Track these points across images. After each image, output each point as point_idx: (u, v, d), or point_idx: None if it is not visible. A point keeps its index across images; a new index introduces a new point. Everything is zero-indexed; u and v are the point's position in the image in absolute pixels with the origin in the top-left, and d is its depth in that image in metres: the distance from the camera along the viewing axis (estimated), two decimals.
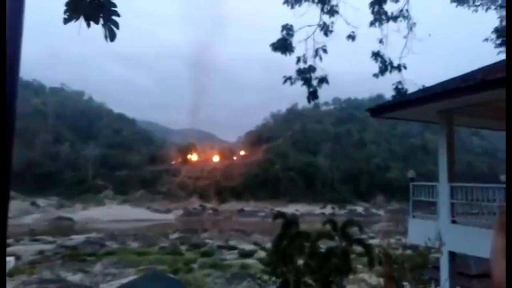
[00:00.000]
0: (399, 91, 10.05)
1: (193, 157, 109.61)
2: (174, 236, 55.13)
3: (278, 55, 9.43)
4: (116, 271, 32.52)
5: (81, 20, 2.47)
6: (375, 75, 10.13)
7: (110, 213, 72.20)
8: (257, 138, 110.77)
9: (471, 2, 13.04)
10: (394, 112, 8.57)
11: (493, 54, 12.93)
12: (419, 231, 8.16)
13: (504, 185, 8.47)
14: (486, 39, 13.43)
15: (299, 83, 9.66)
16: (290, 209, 68.59)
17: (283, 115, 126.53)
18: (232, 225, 67.28)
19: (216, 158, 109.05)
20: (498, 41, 13.42)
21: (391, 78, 10.15)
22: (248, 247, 42.55)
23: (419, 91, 8.36)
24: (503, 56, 12.72)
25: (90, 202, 78.77)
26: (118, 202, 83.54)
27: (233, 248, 44.77)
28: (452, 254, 7.65)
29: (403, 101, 8.37)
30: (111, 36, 2.47)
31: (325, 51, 8.80)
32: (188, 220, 74.50)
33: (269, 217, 65.60)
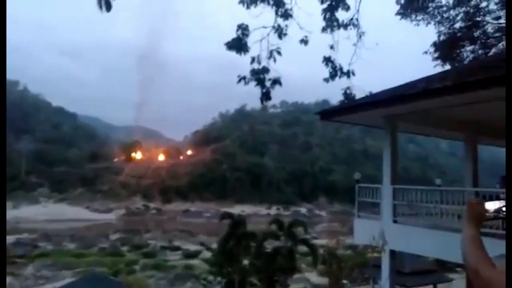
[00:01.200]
0: (348, 96, 10.45)
1: (138, 155, 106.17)
2: (114, 236, 53.09)
3: (228, 54, 9.45)
4: (50, 274, 30.67)
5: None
6: (326, 80, 10.46)
7: (45, 212, 67.95)
8: (204, 138, 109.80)
9: (413, 17, 13.94)
10: (342, 116, 8.90)
11: (431, 66, 13.93)
12: (364, 231, 8.53)
13: (439, 188, 9.09)
14: (426, 52, 14.43)
15: (252, 83, 9.73)
16: (236, 209, 68.62)
17: (231, 116, 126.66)
18: (176, 225, 66.05)
19: (161, 157, 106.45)
20: (436, 55, 14.46)
21: (338, 84, 10.53)
22: (193, 247, 42.02)
23: (366, 97, 8.74)
24: (439, 69, 13.72)
25: (23, 201, 73.41)
26: (54, 200, 78.79)
27: (177, 248, 43.99)
28: (392, 252, 8.06)
29: (351, 105, 8.70)
30: (107, 6, 2.30)
31: (279, 53, 8.96)
32: (130, 220, 72.05)
33: (215, 218, 65.19)
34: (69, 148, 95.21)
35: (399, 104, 7.19)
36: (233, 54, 9.35)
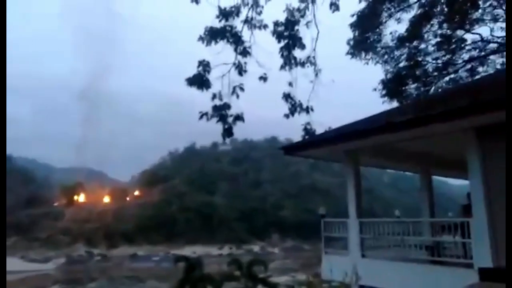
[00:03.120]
0: (308, 131, 10.65)
1: (80, 198, 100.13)
2: None
3: (176, 92, 9.45)
4: None
5: None
6: (286, 116, 10.63)
7: None
8: (152, 177, 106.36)
9: (362, 56, 14.82)
10: (305, 151, 8.96)
11: (380, 103, 14.73)
12: (332, 267, 8.39)
13: (401, 220, 9.27)
14: (375, 89, 15.30)
15: (203, 120, 9.60)
16: (186, 251, 66.25)
17: (180, 154, 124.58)
18: (123, 272, 62.06)
19: (106, 199, 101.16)
20: (383, 92, 15.36)
21: (289, 121, 10.76)
22: None
23: (328, 131, 8.90)
24: (386, 105, 14.53)
25: None
26: None
27: None
28: None
29: (314, 140, 8.80)
30: None
31: (242, 89, 9.00)
32: (72, 269, 66.59)
33: (164, 261, 62.43)
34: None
35: (362, 138, 7.38)
36: (182, 91, 9.30)
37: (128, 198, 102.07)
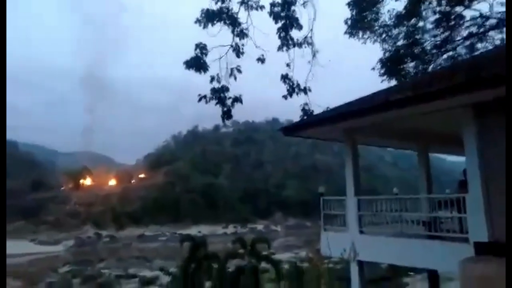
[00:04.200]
0: (306, 112, 10.73)
1: (87, 181, 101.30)
2: (64, 269, 49.84)
3: (178, 76, 9.45)
4: None
5: None
6: (284, 97, 10.69)
7: None
8: (157, 161, 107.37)
9: (360, 35, 14.72)
10: (305, 131, 9.08)
11: (379, 82, 14.71)
12: (330, 243, 8.64)
13: (399, 197, 9.47)
14: (373, 68, 15.24)
15: (203, 102, 9.67)
16: (192, 231, 67.38)
17: (183, 137, 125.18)
18: (131, 252, 63.35)
19: (112, 182, 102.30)
20: (382, 71, 15.31)
21: (290, 102, 10.82)
22: (150, 274, 40.48)
23: (327, 111, 9.00)
24: (386, 84, 14.51)
25: None
26: None
27: (133, 276, 42.13)
28: (360, 263, 8.22)
29: (313, 120, 8.92)
30: None
31: (239, 71, 9.04)
32: (81, 250, 68.02)
33: (171, 241, 63.48)
34: (10, 179, 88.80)
35: (361, 116, 7.47)
36: (183, 76, 9.41)
37: (133, 181, 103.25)
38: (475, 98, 6.24)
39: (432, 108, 6.74)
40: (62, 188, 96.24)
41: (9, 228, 75.59)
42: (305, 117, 10.23)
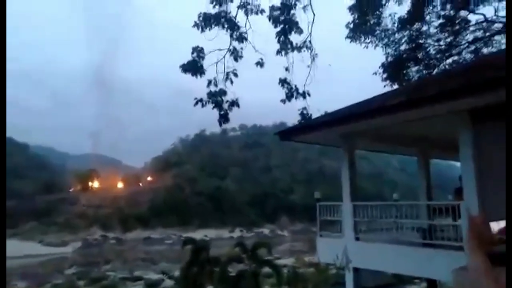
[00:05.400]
0: (304, 116, 10.68)
1: (95, 184, 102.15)
2: (70, 271, 50.10)
3: (187, 78, 9.40)
4: None
5: None
6: (282, 101, 10.67)
7: None
8: (164, 164, 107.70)
9: (362, 40, 14.62)
10: (301, 136, 9.00)
11: (381, 86, 14.58)
12: (327, 249, 8.55)
13: (396, 203, 9.34)
14: (375, 73, 15.11)
15: (210, 106, 9.71)
16: (199, 234, 67.29)
17: (191, 140, 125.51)
18: (137, 254, 63.50)
19: (120, 185, 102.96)
20: (384, 75, 15.17)
21: (295, 106, 10.75)
22: (155, 276, 40.53)
23: (323, 116, 8.94)
24: (388, 89, 14.38)
25: None
26: None
27: (138, 279, 42.19)
28: (356, 270, 8.10)
29: (309, 125, 8.86)
30: None
31: (235, 75, 9.05)
32: (88, 252, 68.43)
33: (177, 244, 63.43)
34: (21, 180, 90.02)
35: (356, 121, 7.39)
36: (190, 78, 9.30)
37: (141, 184, 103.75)
38: (468, 104, 6.13)
39: (427, 113, 6.64)
40: (71, 190, 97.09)
41: (23, 229, 76.60)
42: (303, 121, 10.19)
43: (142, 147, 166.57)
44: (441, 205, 7.56)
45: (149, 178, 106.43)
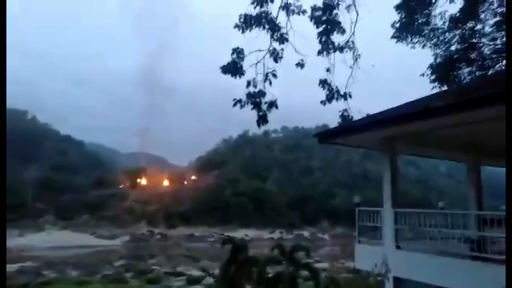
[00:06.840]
0: (345, 118, 10.35)
1: (143, 181, 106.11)
2: (119, 263, 52.25)
3: (231, 80, 9.40)
4: None
5: None
6: (322, 102, 10.41)
7: (50, 240, 67.16)
8: (208, 163, 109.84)
9: (409, 40, 13.98)
10: (340, 138, 8.78)
11: (428, 89, 13.86)
12: (365, 256, 8.26)
13: (442, 211, 8.84)
14: (422, 74, 14.37)
15: (249, 107, 9.68)
16: (239, 234, 67.95)
17: (234, 141, 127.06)
18: (180, 250, 65.20)
19: (166, 183, 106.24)
20: (433, 77, 14.41)
21: (337, 108, 10.47)
22: (196, 273, 41.17)
23: (364, 118, 8.64)
24: (436, 91, 13.65)
25: (29, 228, 72.73)
26: (59, 227, 78.12)
27: (181, 274, 43.18)
28: (397, 280, 7.76)
29: (348, 127, 8.59)
30: None
31: (274, 75, 8.94)
32: (135, 246, 71.22)
33: (218, 243, 64.25)
34: (75, 175, 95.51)
35: (397, 124, 7.08)
36: (233, 79, 9.29)
37: (185, 182, 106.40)
38: None
39: (480, 116, 6.21)
40: (121, 186, 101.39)
41: (76, 222, 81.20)
42: (343, 124, 9.90)
43: (187, 146, 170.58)
44: (492, 215, 7.04)
45: (193, 177, 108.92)
